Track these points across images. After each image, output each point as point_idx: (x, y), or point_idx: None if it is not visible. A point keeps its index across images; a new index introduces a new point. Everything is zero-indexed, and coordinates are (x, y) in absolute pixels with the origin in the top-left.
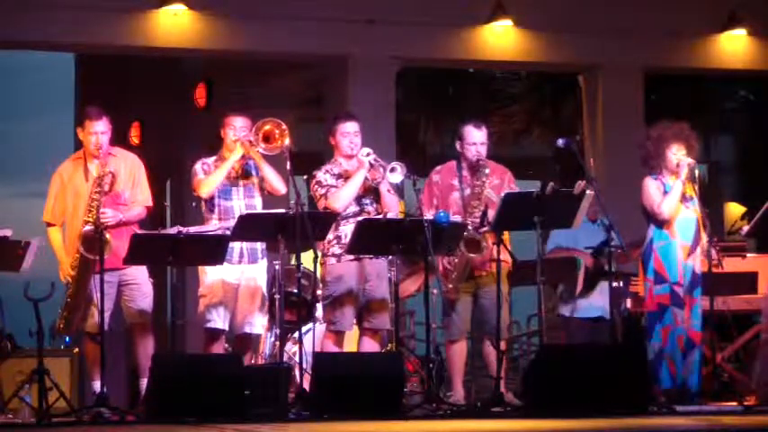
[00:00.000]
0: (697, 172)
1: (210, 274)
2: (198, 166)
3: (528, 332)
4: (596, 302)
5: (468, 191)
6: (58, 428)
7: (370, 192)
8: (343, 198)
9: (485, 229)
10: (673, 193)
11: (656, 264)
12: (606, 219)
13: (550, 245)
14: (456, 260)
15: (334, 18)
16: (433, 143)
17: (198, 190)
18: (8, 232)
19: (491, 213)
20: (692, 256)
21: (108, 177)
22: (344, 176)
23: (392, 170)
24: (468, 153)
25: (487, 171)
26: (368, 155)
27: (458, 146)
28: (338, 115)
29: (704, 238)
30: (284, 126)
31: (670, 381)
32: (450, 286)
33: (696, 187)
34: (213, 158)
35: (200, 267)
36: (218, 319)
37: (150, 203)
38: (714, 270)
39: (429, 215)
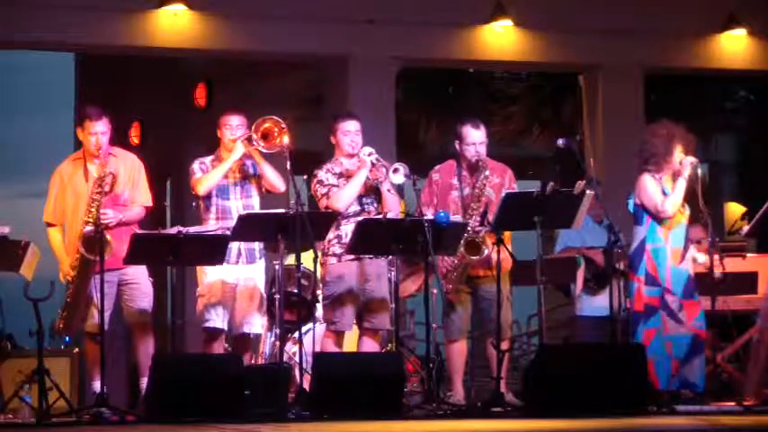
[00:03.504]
0: (699, 171)
1: (209, 275)
2: (195, 165)
3: (528, 332)
4: (607, 301)
5: (467, 190)
6: (58, 428)
7: (372, 191)
8: (344, 198)
9: (484, 228)
10: (677, 191)
11: (649, 265)
12: (607, 219)
13: (559, 246)
14: (455, 261)
15: (334, 18)
16: (433, 143)
17: (195, 188)
18: (6, 229)
19: (491, 213)
20: (684, 260)
21: (109, 178)
22: (345, 175)
23: (395, 171)
24: (467, 153)
25: (487, 173)
26: (369, 154)
27: (456, 145)
28: (339, 114)
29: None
30: (283, 124)
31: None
32: (450, 287)
33: (698, 187)
34: (211, 158)
35: (198, 267)
36: (217, 319)
37: (150, 204)
38: (714, 270)
39: (428, 214)
